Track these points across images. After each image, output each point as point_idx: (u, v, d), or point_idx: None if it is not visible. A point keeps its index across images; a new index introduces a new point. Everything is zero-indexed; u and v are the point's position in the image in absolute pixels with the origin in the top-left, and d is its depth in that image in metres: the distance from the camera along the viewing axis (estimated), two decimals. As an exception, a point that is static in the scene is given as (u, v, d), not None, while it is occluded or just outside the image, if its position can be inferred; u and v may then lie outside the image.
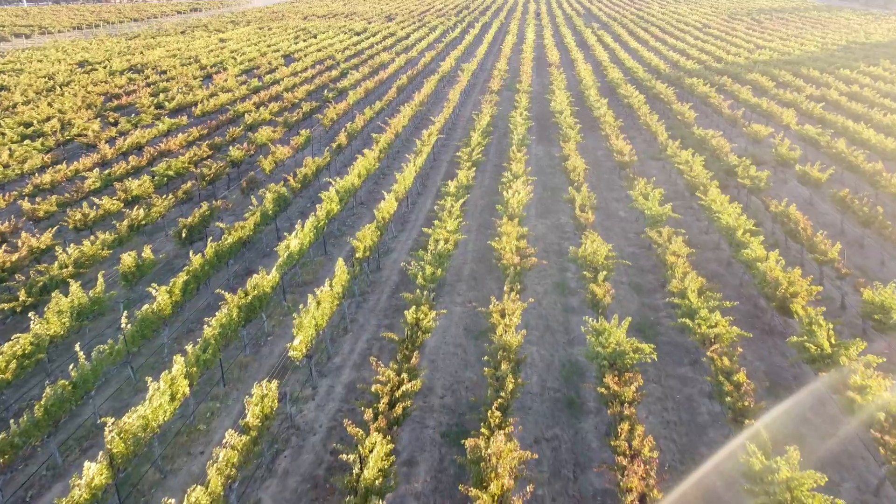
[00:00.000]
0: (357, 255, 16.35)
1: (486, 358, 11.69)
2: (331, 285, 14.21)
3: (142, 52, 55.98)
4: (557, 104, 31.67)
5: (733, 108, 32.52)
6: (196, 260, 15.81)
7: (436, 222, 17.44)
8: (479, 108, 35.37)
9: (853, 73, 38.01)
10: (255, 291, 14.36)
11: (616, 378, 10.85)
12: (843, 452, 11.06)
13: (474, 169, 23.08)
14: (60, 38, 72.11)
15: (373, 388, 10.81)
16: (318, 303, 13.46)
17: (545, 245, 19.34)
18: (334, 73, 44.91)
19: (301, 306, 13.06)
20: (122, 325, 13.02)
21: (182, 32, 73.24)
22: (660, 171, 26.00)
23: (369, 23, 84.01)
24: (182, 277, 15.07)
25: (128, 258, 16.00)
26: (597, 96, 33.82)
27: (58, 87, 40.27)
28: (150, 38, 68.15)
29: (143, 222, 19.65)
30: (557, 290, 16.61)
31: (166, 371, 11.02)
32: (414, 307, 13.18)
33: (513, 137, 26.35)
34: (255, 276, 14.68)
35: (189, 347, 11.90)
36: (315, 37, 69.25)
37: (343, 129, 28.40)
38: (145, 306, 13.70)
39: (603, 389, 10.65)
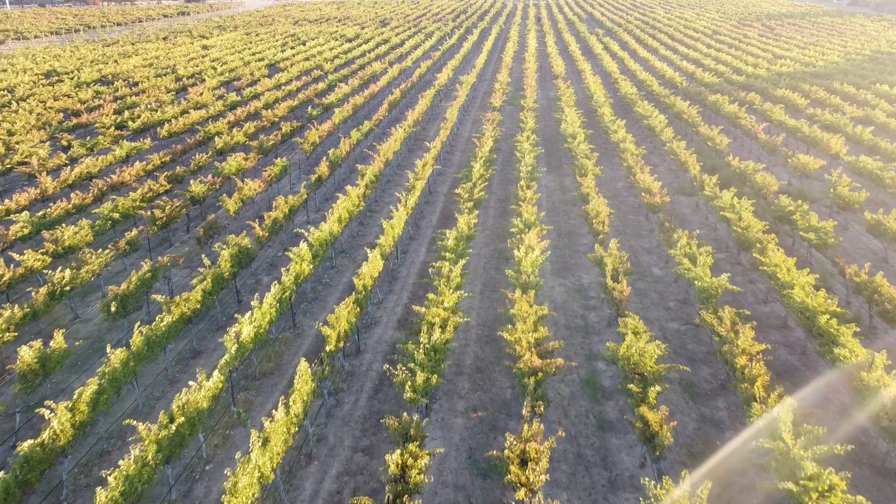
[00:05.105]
0: (328, 348, 12.58)
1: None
2: (286, 406, 10.44)
3: (116, 61, 52.06)
4: (569, 126, 27.94)
5: (769, 132, 28.81)
6: (116, 356, 12.03)
7: (430, 296, 13.69)
8: (480, 128, 31.68)
9: (894, 90, 34.37)
10: (185, 413, 10.58)
11: None
12: None
13: (476, 211, 19.35)
14: (35, 45, 68.11)
15: None
16: (266, 440, 9.69)
17: (566, 319, 15.56)
18: (321, 85, 41.11)
19: (237, 455, 9.27)
20: (-9, 475, 9.25)
21: (164, 38, 69.31)
22: (693, 211, 22.27)
23: (362, 28, 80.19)
24: (92, 386, 11.29)
25: (27, 353, 12.19)
26: (612, 116, 30.12)
27: (14, 103, 36.37)
28: (129, 44, 64.20)
29: (69, 287, 15.85)
30: (587, 393, 12.83)
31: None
32: (399, 451, 9.43)
33: (520, 168, 22.63)
34: (185, 390, 10.90)
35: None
36: (304, 44, 65.41)
37: (325, 157, 24.64)
38: (28, 442, 9.92)
39: None
